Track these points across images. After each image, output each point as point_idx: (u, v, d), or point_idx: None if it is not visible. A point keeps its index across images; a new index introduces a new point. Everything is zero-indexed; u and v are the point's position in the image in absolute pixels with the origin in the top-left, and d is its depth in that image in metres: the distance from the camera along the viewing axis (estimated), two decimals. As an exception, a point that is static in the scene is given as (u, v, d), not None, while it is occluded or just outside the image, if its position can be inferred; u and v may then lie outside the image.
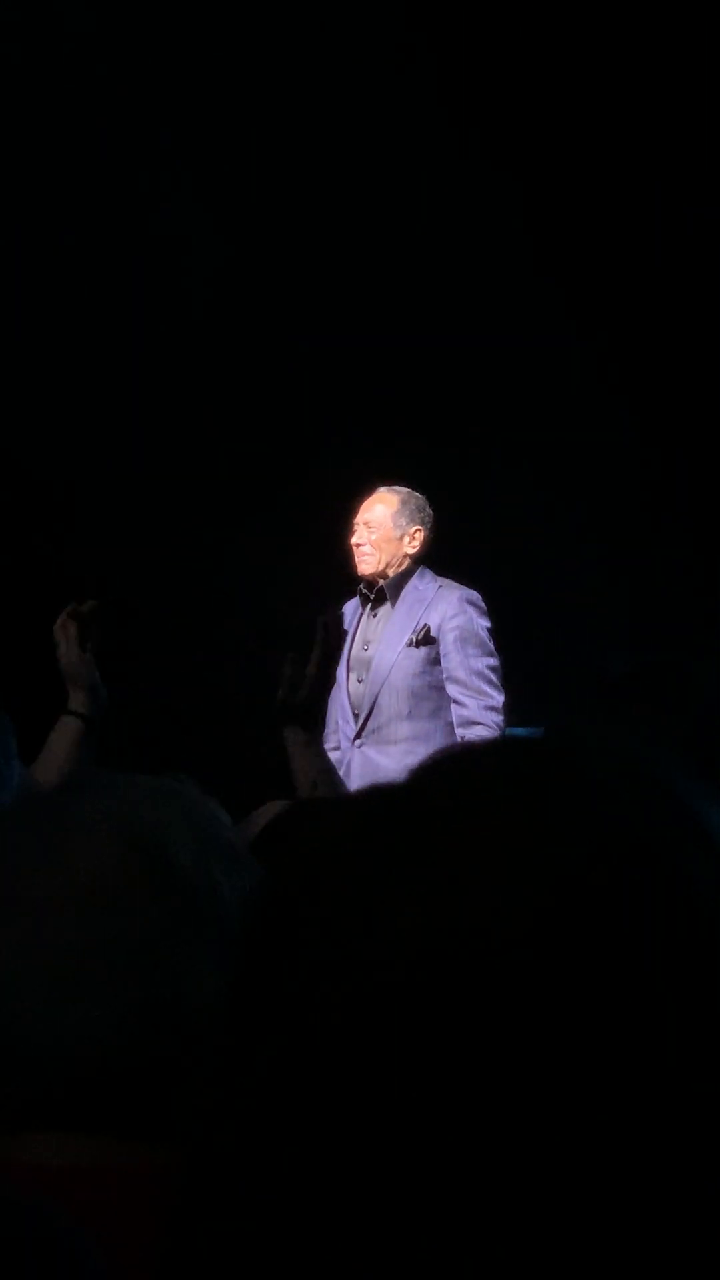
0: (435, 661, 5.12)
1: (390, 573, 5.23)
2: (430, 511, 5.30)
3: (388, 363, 6.54)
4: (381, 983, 0.56)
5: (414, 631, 5.14)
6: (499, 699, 5.07)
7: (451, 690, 5.09)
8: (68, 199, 6.41)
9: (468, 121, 6.38)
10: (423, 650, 5.12)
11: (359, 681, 5.22)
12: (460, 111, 6.37)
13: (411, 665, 5.12)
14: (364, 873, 0.60)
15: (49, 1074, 1.13)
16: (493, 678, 5.09)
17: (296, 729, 2.90)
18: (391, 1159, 0.54)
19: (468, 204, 6.43)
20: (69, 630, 3.07)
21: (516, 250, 6.47)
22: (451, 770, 0.63)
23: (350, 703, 5.22)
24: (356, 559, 5.25)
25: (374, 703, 5.14)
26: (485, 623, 5.17)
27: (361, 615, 5.29)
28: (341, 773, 5.27)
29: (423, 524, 5.27)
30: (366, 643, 5.24)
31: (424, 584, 5.23)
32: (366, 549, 5.23)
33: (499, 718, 5.05)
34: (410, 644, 5.13)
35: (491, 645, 5.14)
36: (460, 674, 5.08)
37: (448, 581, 5.24)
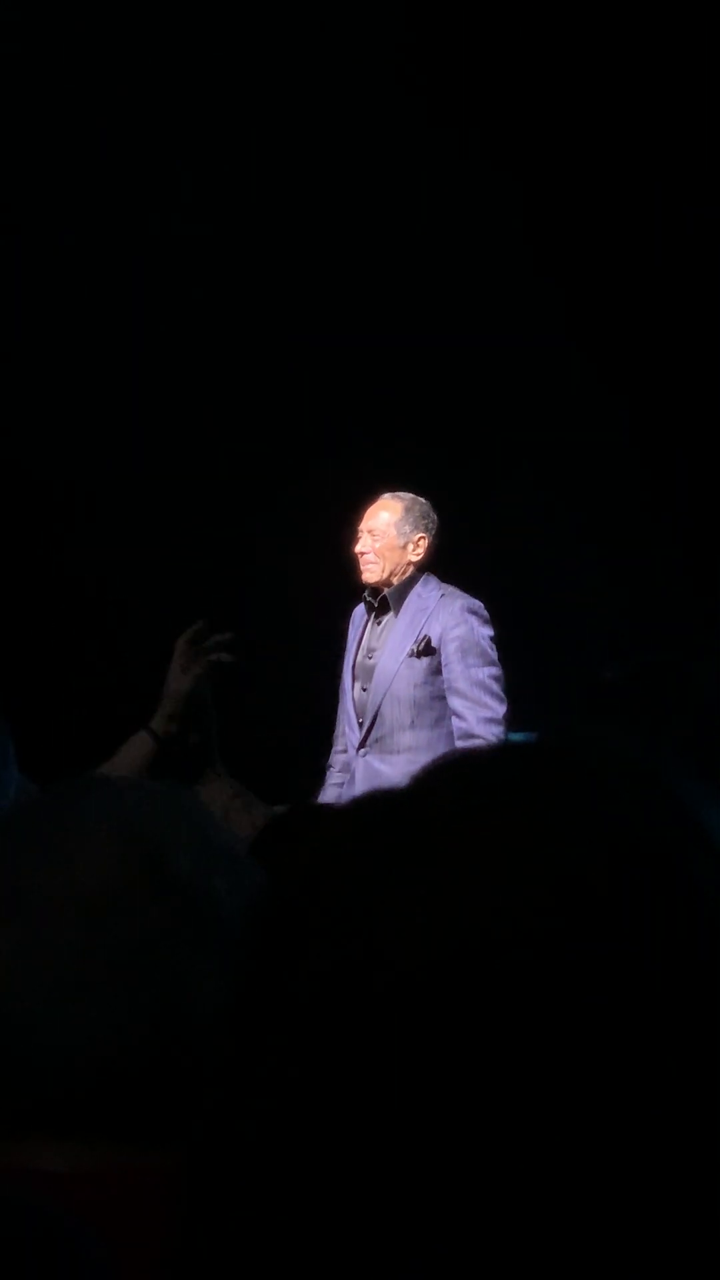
0: (437, 671, 5.08)
1: (394, 580, 5.18)
2: (435, 517, 5.24)
3: (388, 363, 6.53)
4: (386, 986, 0.56)
5: (415, 642, 5.10)
6: (500, 710, 5.03)
7: (452, 701, 5.05)
8: (68, 199, 6.41)
9: (467, 122, 6.37)
10: (424, 661, 5.08)
11: (363, 690, 5.19)
12: (460, 112, 6.36)
13: (413, 675, 5.09)
14: (367, 876, 0.60)
15: (47, 1078, 1.13)
16: (494, 687, 5.05)
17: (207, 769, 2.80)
18: (397, 1162, 0.55)
19: (467, 204, 6.42)
20: (186, 652, 2.89)
21: (516, 251, 6.47)
22: (453, 774, 0.63)
23: (354, 711, 5.20)
24: (361, 566, 5.21)
25: (377, 712, 5.11)
26: (487, 631, 5.12)
27: (367, 623, 5.26)
28: (334, 781, 5.28)
29: (427, 531, 5.21)
30: (370, 651, 5.21)
31: (427, 592, 5.18)
32: (370, 557, 5.17)
33: (499, 729, 5.00)
34: (412, 654, 5.10)
35: (494, 655, 5.09)
36: (461, 684, 5.05)
37: (450, 589, 5.19)
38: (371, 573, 5.18)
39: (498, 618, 5.23)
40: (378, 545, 5.18)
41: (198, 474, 6.56)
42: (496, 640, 5.15)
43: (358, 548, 5.21)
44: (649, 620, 6.35)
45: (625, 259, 6.53)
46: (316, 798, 5.15)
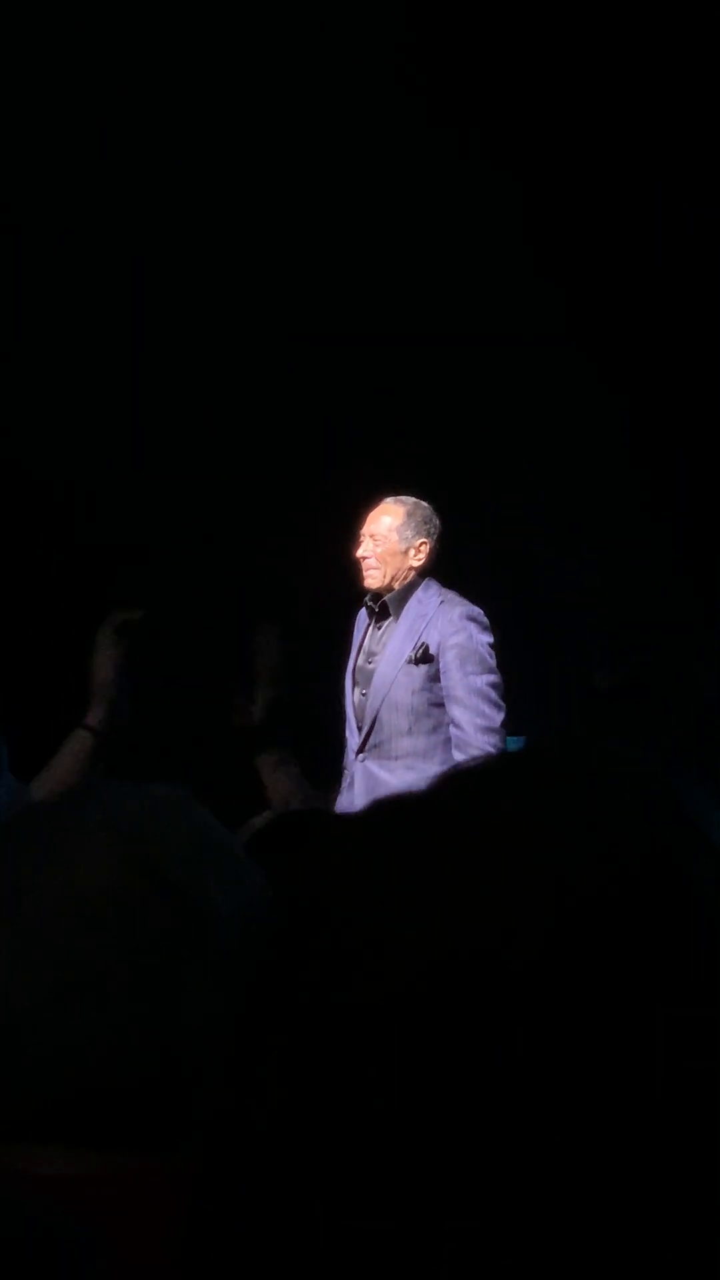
0: (435, 678, 5.06)
1: (395, 585, 5.18)
2: (437, 522, 5.23)
3: (387, 362, 6.53)
4: (391, 991, 0.57)
5: (413, 649, 5.09)
6: (498, 718, 5.01)
7: (451, 709, 5.04)
8: (68, 199, 6.41)
9: (467, 122, 6.37)
10: (422, 668, 5.06)
11: (361, 694, 5.18)
12: (460, 112, 6.36)
13: (411, 682, 5.07)
14: (372, 882, 0.60)
15: (42, 1083, 1.13)
16: (493, 695, 5.03)
17: (264, 752, 2.84)
18: (402, 1166, 0.55)
19: (467, 204, 6.42)
20: (108, 640, 2.89)
21: (516, 251, 6.46)
22: (459, 783, 0.64)
23: (353, 715, 5.20)
24: (363, 572, 5.20)
25: (375, 717, 5.10)
26: (487, 639, 5.11)
27: (368, 627, 5.25)
28: (346, 784, 5.27)
29: (429, 536, 5.20)
30: (370, 655, 5.20)
31: (427, 597, 5.16)
32: (372, 562, 5.17)
33: (496, 739, 4.99)
34: (410, 661, 5.09)
35: (493, 662, 5.08)
36: (459, 692, 5.03)
37: (451, 595, 5.17)
38: (373, 578, 5.18)
39: (496, 618, 5.22)
40: (379, 550, 5.17)
41: (197, 475, 6.56)
42: (496, 643, 5.14)
43: (359, 552, 5.21)
44: (648, 621, 6.35)
45: (625, 259, 6.52)
46: (334, 797, 5.14)
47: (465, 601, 5.17)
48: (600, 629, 6.46)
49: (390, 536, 5.18)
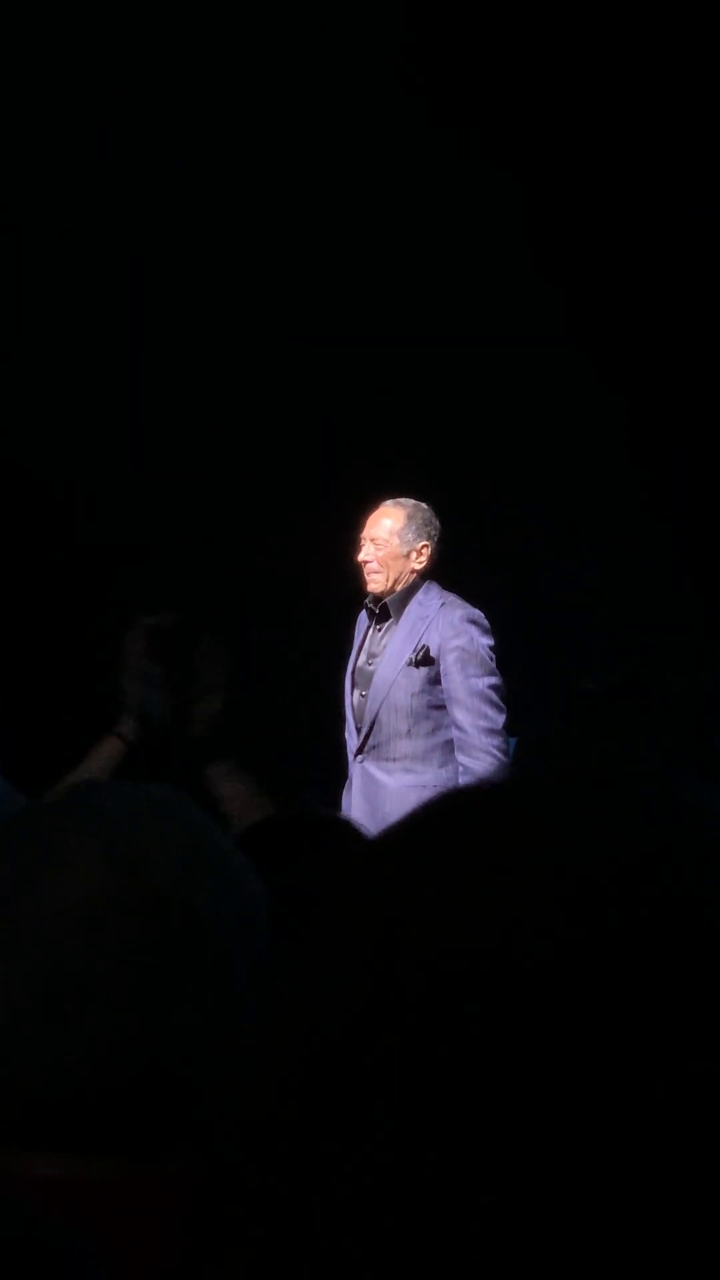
0: (435, 681, 5.07)
1: (397, 588, 5.18)
2: (438, 524, 5.23)
3: (387, 362, 6.53)
4: (400, 996, 0.57)
5: (414, 651, 5.10)
6: (499, 720, 5.02)
7: (452, 711, 5.04)
8: (68, 199, 6.41)
9: (467, 121, 6.37)
10: (422, 670, 5.07)
11: (361, 696, 5.19)
12: (460, 112, 6.36)
13: (410, 684, 5.08)
14: (384, 887, 0.60)
15: (30, 1091, 1.13)
16: (494, 697, 5.04)
17: (212, 764, 2.77)
18: (409, 1172, 0.55)
19: (467, 204, 6.42)
20: (138, 646, 2.79)
21: (516, 251, 6.47)
22: (468, 796, 0.64)
23: (353, 716, 5.20)
24: (365, 576, 5.20)
25: (375, 719, 5.11)
26: (487, 641, 5.11)
27: (369, 628, 5.26)
28: (346, 786, 5.27)
29: (430, 538, 5.20)
30: (371, 657, 5.20)
31: (428, 600, 5.17)
32: (374, 566, 5.16)
33: (497, 741, 5.00)
34: (410, 663, 5.09)
35: (493, 664, 5.08)
36: (460, 694, 5.04)
37: (451, 598, 5.18)
38: (376, 582, 5.18)
39: (496, 619, 5.22)
40: (380, 554, 5.17)
41: (197, 475, 6.56)
42: (495, 645, 5.15)
43: (361, 556, 5.21)
44: (648, 622, 6.35)
45: (625, 259, 6.53)
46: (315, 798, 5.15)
47: (466, 604, 5.17)
48: (600, 629, 6.46)
49: (391, 540, 5.18)
